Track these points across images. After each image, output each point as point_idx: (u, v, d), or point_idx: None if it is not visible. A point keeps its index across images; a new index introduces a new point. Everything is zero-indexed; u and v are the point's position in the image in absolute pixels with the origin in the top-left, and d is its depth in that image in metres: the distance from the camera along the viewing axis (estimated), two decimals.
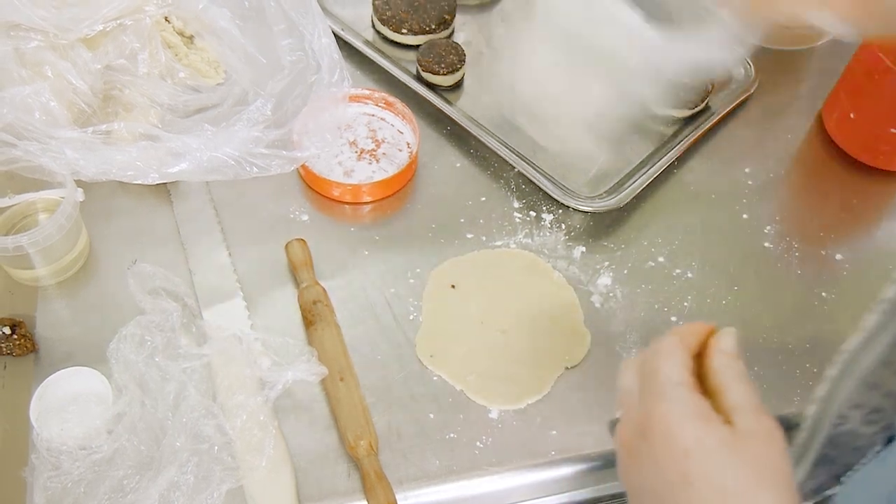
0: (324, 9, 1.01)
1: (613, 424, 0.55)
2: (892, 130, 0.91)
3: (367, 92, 0.92)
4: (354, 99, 0.92)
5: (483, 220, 0.86)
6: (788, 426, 0.76)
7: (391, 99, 0.91)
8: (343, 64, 0.85)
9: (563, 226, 0.87)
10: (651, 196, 0.91)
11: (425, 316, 0.78)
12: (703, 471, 0.46)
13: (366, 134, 0.90)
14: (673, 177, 0.93)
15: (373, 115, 0.92)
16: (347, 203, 0.86)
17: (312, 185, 0.86)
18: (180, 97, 0.86)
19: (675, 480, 0.47)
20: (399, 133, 0.91)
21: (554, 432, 0.72)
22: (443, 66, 0.96)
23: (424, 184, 0.89)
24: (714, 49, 0.68)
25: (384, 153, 0.89)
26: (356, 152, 0.89)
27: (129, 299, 0.75)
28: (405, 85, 0.96)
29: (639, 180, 0.89)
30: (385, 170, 0.88)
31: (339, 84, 0.84)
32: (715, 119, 0.97)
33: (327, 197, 0.86)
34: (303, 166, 0.84)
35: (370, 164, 0.88)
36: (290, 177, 0.87)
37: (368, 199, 0.86)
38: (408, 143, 0.90)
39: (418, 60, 0.97)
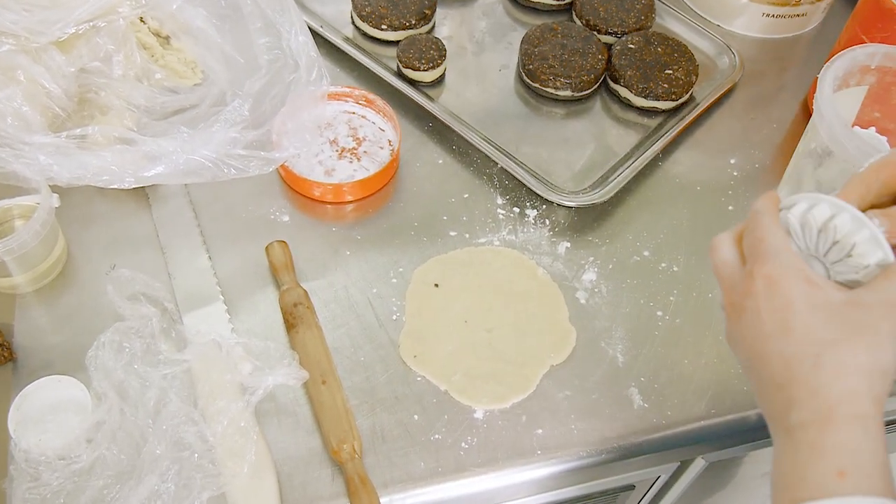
0: (302, 6, 1.01)
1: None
2: (876, 115, 0.90)
3: (347, 90, 0.91)
4: (334, 97, 0.91)
5: (466, 217, 0.85)
6: None
7: (371, 96, 0.90)
8: (321, 62, 0.84)
9: (548, 221, 0.86)
10: (636, 189, 0.90)
11: (409, 316, 0.77)
12: (802, 321, 0.48)
13: (346, 132, 0.89)
14: (658, 169, 0.92)
15: (353, 113, 0.91)
16: (329, 203, 0.85)
17: (293, 186, 0.85)
18: (157, 99, 0.85)
19: (774, 330, 0.48)
20: (380, 131, 0.90)
21: (540, 431, 0.71)
22: (423, 61, 0.95)
23: (406, 181, 0.88)
24: None
25: (365, 151, 0.88)
26: (337, 151, 0.88)
27: (107, 305, 0.74)
28: (386, 82, 0.95)
29: (623, 174, 0.88)
30: (366, 168, 0.87)
31: (318, 82, 0.83)
32: (700, 110, 0.96)
33: (308, 197, 0.85)
34: (283, 166, 0.83)
35: (351, 162, 0.87)
36: (270, 177, 0.86)
37: (350, 198, 0.85)
38: (389, 141, 0.89)
39: (398, 56, 0.96)
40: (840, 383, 0.46)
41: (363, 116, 0.91)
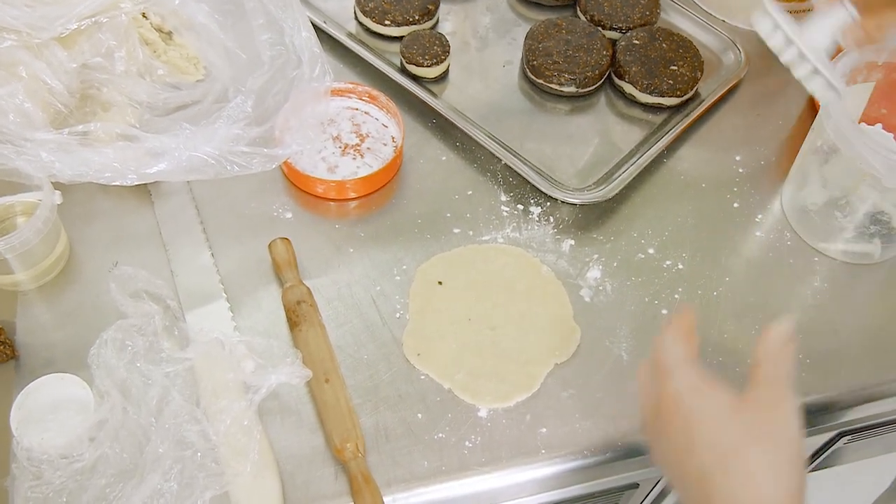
0: (305, 1, 1.00)
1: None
2: (883, 112, 0.89)
3: (351, 86, 0.90)
4: (337, 93, 0.90)
5: (470, 214, 0.85)
6: None
7: (375, 92, 0.90)
8: (324, 58, 0.84)
9: (552, 219, 0.85)
10: (640, 186, 0.89)
11: (412, 314, 0.77)
12: (702, 435, 0.50)
13: (349, 129, 0.89)
14: (662, 166, 0.92)
15: (356, 110, 0.91)
16: (332, 200, 0.85)
17: (296, 182, 0.85)
18: (159, 95, 0.84)
19: (685, 447, 0.51)
20: (384, 127, 0.90)
21: (544, 430, 0.71)
22: (427, 57, 0.94)
23: (410, 178, 0.88)
24: None
25: (368, 148, 0.88)
26: (340, 147, 0.87)
27: (110, 303, 0.73)
28: (389, 77, 0.95)
29: (628, 171, 0.88)
30: (370, 165, 0.86)
31: (321, 79, 0.82)
32: (705, 106, 0.96)
33: (311, 194, 0.85)
34: (286, 163, 0.83)
35: (354, 159, 0.87)
36: (273, 174, 0.85)
37: (353, 195, 0.85)
38: (392, 138, 0.89)
39: (402, 52, 0.95)
40: (750, 489, 0.49)
41: (366, 113, 0.90)
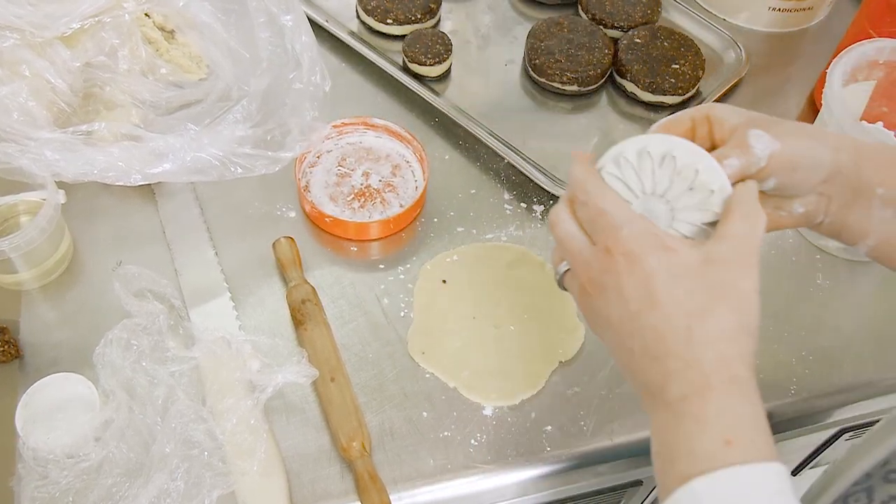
0: (307, 0, 1.00)
1: (561, 276, 0.55)
2: (884, 110, 0.90)
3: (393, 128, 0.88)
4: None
5: (473, 212, 0.85)
6: (785, 418, 0.76)
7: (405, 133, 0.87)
8: (322, 64, 0.83)
9: None
10: None
11: (416, 312, 0.77)
12: (668, 293, 0.48)
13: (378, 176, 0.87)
14: None
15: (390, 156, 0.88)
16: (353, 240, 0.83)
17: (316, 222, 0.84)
18: (162, 93, 0.84)
19: (642, 306, 0.48)
20: (406, 163, 0.87)
21: (549, 428, 0.71)
22: (429, 56, 0.94)
23: None
24: None
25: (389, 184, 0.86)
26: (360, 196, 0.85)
27: (114, 302, 0.73)
28: (391, 76, 0.95)
29: None
30: (390, 204, 0.84)
31: (320, 83, 0.82)
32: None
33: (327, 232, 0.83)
34: (311, 205, 0.82)
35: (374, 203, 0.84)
36: (276, 173, 0.85)
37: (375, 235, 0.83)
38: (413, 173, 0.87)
39: (404, 51, 0.95)
40: (712, 351, 0.47)
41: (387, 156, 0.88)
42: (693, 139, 0.55)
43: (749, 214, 0.50)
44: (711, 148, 0.55)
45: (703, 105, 0.57)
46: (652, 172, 0.52)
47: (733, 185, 0.52)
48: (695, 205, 0.52)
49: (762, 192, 0.55)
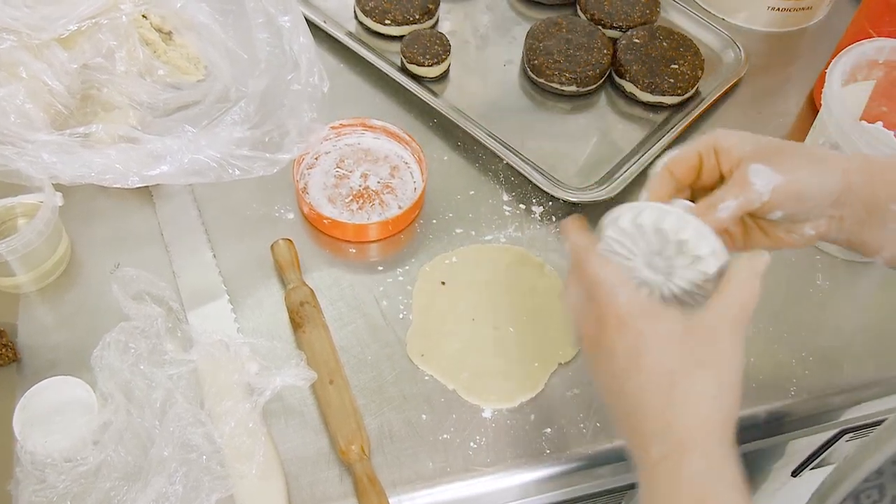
0: (305, 1, 1.00)
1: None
2: (883, 110, 0.90)
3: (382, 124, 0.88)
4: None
5: (472, 214, 0.85)
6: (785, 419, 0.76)
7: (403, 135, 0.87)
8: (320, 65, 0.83)
9: (554, 218, 0.85)
10: (642, 185, 0.88)
11: (415, 314, 0.77)
12: (652, 357, 0.50)
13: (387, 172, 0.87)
14: None
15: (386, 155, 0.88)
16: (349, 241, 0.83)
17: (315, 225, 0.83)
18: (160, 95, 0.84)
19: (629, 366, 0.51)
20: (405, 164, 0.87)
21: (548, 430, 0.71)
22: (427, 56, 0.94)
23: None
24: None
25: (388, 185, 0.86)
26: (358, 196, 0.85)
27: (112, 305, 0.73)
28: (390, 77, 0.94)
29: (629, 169, 0.88)
30: (389, 205, 0.84)
31: (318, 84, 0.81)
32: (705, 105, 0.96)
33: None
34: (310, 207, 0.81)
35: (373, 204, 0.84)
36: (275, 175, 0.85)
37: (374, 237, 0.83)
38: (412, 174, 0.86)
39: (402, 52, 0.95)
40: (691, 414, 0.49)
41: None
42: (700, 173, 0.58)
43: (742, 287, 0.52)
44: (720, 180, 0.57)
45: (709, 135, 0.58)
46: (646, 239, 0.55)
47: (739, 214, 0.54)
48: (687, 266, 0.54)
49: (769, 221, 0.57)
